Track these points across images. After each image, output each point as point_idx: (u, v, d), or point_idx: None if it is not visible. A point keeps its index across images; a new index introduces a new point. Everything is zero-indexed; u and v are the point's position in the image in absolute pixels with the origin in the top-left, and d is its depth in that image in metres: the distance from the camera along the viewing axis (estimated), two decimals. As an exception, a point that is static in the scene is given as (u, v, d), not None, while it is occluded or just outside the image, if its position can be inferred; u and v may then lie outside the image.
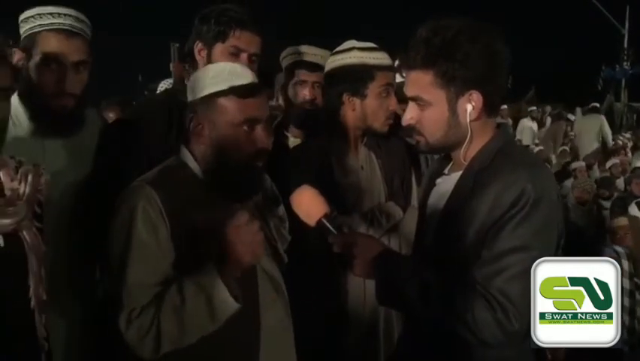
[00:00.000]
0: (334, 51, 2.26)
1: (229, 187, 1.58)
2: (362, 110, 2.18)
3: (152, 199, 1.49)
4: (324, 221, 1.58)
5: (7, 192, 1.45)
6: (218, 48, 2.01)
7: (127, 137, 1.94)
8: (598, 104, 12.26)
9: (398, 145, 2.33)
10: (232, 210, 1.47)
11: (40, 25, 1.80)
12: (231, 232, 1.44)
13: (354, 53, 2.19)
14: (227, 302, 1.44)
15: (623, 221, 3.93)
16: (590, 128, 10.73)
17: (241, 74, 1.59)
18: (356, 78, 2.16)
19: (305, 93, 2.45)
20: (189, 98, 1.61)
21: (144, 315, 1.45)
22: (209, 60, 1.99)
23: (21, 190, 1.47)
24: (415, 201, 2.27)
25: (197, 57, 2.05)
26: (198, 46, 2.05)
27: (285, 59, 2.55)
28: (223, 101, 1.55)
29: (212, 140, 1.57)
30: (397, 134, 2.35)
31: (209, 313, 1.44)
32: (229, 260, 1.45)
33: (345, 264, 1.58)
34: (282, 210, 1.79)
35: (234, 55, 2.00)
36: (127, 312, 1.46)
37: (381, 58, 2.18)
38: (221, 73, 1.57)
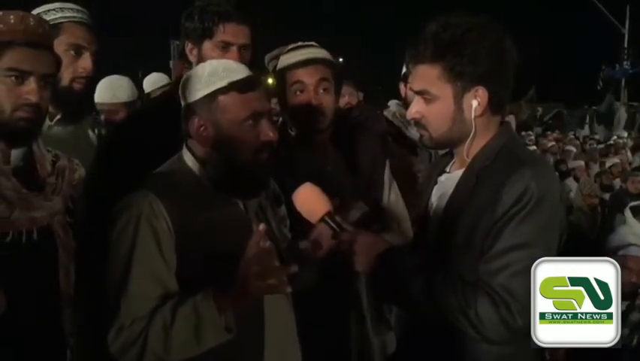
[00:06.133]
0: None
1: (237, 186, 1.56)
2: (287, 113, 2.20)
3: (157, 209, 1.45)
4: (327, 219, 1.57)
5: (46, 187, 1.48)
6: (207, 45, 1.99)
7: (129, 140, 1.93)
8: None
9: (369, 141, 2.28)
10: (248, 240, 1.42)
11: (63, 17, 1.97)
12: (247, 266, 1.38)
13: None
14: (218, 331, 1.41)
15: None
16: None
17: (237, 69, 1.56)
18: (278, 84, 2.19)
19: None
20: (186, 100, 1.56)
21: (134, 327, 1.40)
22: (200, 58, 1.97)
23: (58, 185, 1.51)
24: (386, 197, 2.23)
25: (190, 57, 2.04)
26: (188, 46, 2.04)
27: (269, 64, 2.53)
28: (224, 98, 1.51)
29: (217, 140, 1.52)
30: (369, 129, 2.32)
31: (196, 336, 1.40)
32: (237, 290, 1.40)
33: (349, 261, 1.58)
34: (283, 210, 1.78)
35: (224, 49, 1.98)
36: (119, 324, 1.42)
37: (287, 58, 2.16)
38: (216, 70, 1.53)
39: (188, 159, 1.57)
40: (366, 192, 2.18)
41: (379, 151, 2.27)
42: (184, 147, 1.60)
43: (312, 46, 2.17)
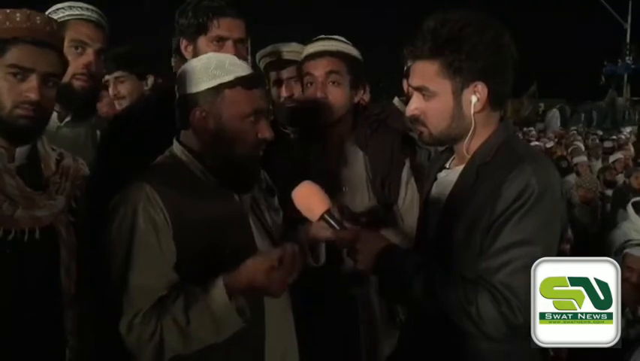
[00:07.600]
0: None
1: (233, 179, 1.57)
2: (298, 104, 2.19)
3: (154, 199, 1.46)
4: (326, 217, 1.57)
5: (49, 186, 1.48)
6: (202, 41, 1.99)
7: (128, 133, 1.93)
8: None
9: (389, 139, 2.26)
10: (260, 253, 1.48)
11: (70, 15, 1.99)
12: (260, 271, 1.41)
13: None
14: (235, 322, 1.43)
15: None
16: None
17: (241, 65, 1.57)
18: (299, 77, 2.19)
19: (281, 92, 2.37)
20: (187, 90, 1.55)
21: (145, 324, 1.42)
22: (196, 54, 1.94)
23: (62, 185, 1.51)
24: (402, 197, 2.22)
25: (185, 53, 2.03)
26: (183, 42, 2.04)
27: (260, 62, 2.52)
28: (230, 93, 1.52)
29: (217, 132, 1.53)
30: (389, 127, 2.30)
31: (214, 330, 1.43)
32: (247, 287, 1.43)
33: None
34: (276, 200, 1.79)
35: (219, 44, 1.98)
36: (129, 316, 1.43)
37: (305, 51, 2.17)
38: (222, 64, 1.54)
39: (182, 152, 1.58)
40: (380, 190, 2.18)
41: (398, 150, 2.25)
42: (175, 141, 1.61)
43: (329, 39, 2.17)
